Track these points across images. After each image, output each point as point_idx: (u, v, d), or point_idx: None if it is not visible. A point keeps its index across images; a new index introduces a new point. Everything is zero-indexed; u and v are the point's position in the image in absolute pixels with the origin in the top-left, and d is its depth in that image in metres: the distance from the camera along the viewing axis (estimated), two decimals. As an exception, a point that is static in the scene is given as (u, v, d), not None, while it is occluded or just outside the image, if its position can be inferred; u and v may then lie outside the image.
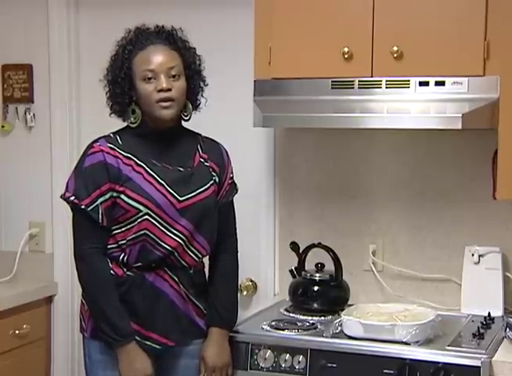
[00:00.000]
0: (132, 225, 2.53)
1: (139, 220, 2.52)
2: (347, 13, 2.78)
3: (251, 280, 3.34)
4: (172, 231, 2.55)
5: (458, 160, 3.04)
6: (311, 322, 2.80)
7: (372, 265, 3.14)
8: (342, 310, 2.77)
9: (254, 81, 2.90)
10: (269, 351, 2.63)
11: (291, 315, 2.92)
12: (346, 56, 2.76)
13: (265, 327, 2.74)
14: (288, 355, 2.61)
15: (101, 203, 2.51)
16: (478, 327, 2.69)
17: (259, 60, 2.89)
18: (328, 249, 2.99)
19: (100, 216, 2.52)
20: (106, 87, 2.61)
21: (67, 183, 2.58)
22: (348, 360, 2.54)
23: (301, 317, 2.88)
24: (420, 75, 2.69)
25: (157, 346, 2.57)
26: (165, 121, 2.56)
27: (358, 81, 2.76)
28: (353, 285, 3.03)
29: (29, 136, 3.59)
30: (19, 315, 3.32)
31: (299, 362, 2.60)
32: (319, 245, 3.00)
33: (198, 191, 2.60)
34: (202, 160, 2.66)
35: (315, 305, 2.92)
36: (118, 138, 2.59)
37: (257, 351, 2.64)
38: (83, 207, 2.51)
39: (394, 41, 2.70)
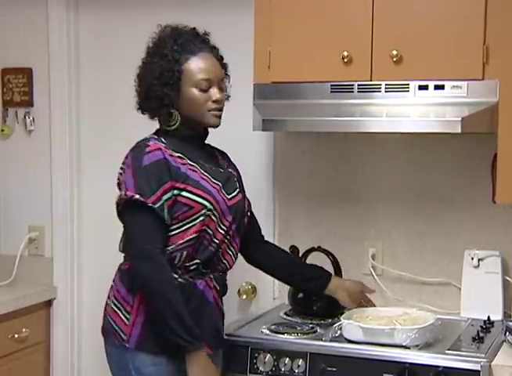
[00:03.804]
0: (194, 223, 2.47)
1: (202, 217, 2.47)
2: (346, 17, 2.79)
3: (251, 284, 3.33)
4: (221, 226, 2.54)
5: (457, 164, 3.04)
6: (310, 326, 2.80)
7: (371, 269, 3.14)
8: (341, 314, 2.76)
9: (254, 84, 2.90)
10: (269, 355, 2.63)
11: (291, 319, 2.91)
12: (345, 60, 2.76)
13: (265, 330, 2.74)
14: (288, 359, 2.61)
15: (165, 201, 2.43)
16: (478, 331, 2.69)
17: (259, 64, 2.89)
18: (328, 253, 2.99)
19: (166, 215, 2.43)
20: (144, 86, 2.52)
21: (125, 182, 2.44)
22: (348, 364, 2.54)
23: (301, 321, 2.87)
24: (419, 79, 2.69)
25: None
26: (212, 127, 2.59)
27: (358, 84, 2.76)
28: (353, 289, 3.03)
29: (28, 140, 3.59)
30: (19, 319, 3.32)
31: (298, 366, 2.59)
32: (319, 249, 3.00)
33: (236, 191, 2.64)
34: (225, 165, 2.69)
35: (315, 309, 2.91)
36: (163, 139, 2.53)
37: (256, 355, 2.64)
38: (150, 205, 2.40)
39: (394, 44, 2.70)
